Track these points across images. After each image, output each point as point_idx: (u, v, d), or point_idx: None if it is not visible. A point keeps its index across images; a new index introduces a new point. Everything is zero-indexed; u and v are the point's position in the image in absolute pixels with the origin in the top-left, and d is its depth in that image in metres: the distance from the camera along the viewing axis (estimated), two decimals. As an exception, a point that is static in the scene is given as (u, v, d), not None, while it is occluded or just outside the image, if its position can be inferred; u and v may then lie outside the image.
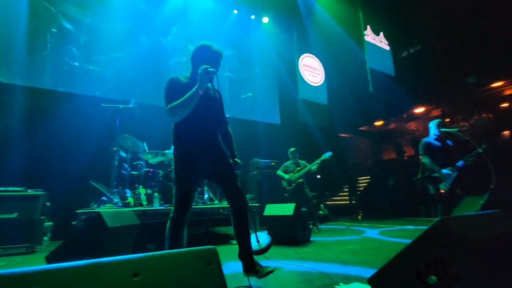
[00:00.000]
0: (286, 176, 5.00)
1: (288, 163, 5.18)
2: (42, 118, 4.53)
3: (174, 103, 1.80)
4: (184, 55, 6.56)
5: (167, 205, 3.81)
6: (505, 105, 8.74)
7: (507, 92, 8.78)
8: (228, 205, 2.01)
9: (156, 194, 3.88)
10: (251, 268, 1.91)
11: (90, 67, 5.35)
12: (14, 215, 3.24)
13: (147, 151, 4.49)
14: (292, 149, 5.18)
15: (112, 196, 3.82)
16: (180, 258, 0.71)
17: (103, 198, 3.83)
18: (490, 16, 7.53)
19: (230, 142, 2.14)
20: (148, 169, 4.35)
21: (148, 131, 4.88)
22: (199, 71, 1.83)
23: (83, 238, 2.57)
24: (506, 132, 6.89)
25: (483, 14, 7.68)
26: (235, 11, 7.66)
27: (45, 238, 3.63)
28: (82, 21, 5.35)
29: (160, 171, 4.36)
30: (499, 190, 5.16)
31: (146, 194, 4.10)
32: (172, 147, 2.00)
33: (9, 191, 3.33)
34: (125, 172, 4.19)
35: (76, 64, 5.21)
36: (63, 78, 5.06)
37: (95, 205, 3.71)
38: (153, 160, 4.40)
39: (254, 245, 2.28)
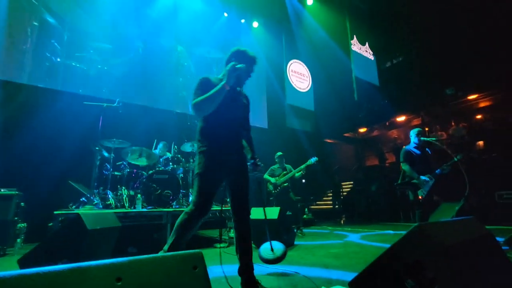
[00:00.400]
0: (273, 180, 5.04)
1: (274, 167, 5.22)
2: (19, 114, 4.33)
3: (200, 97, 1.82)
4: (173, 56, 6.49)
5: (150, 207, 3.73)
6: (479, 116, 9.23)
7: (482, 105, 9.28)
8: (232, 218, 1.98)
9: (139, 195, 3.79)
10: (249, 286, 1.85)
11: (73, 64, 5.17)
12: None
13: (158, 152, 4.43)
14: (279, 153, 5.23)
15: (92, 197, 3.70)
16: (165, 262, 0.69)
17: (82, 199, 3.70)
18: (468, 31, 7.97)
19: (252, 147, 2.17)
20: (131, 170, 4.25)
21: (132, 131, 4.77)
22: (227, 67, 1.85)
23: (60, 240, 2.47)
24: (480, 143, 7.27)
25: (461, 29, 8.12)
26: (225, 14, 7.67)
27: (18, 240, 3.45)
28: (66, 16, 5.17)
29: (143, 172, 4.27)
30: (473, 197, 5.44)
31: (128, 195, 4.00)
32: (196, 145, 2.00)
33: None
34: (107, 173, 4.07)
35: (58, 60, 5.02)
36: (44, 73, 4.86)
37: (74, 206, 3.58)
38: (138, 160, 4.30)
39: (269, 253, 2.24)
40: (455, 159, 3.73)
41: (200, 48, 6.97)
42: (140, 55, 6.02)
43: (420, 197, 3.76)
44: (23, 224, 3.57)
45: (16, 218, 3.39)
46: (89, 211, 3.00)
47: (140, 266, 0.62)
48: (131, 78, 5.73)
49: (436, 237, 1.00)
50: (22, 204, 3.57)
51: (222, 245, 3.66)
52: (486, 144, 6.94)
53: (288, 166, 5.14)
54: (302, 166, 4.93)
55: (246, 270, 1.87)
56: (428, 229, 1.04)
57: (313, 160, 4.92)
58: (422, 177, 3.70)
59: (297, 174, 4.95)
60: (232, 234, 4.42)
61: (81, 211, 3.11)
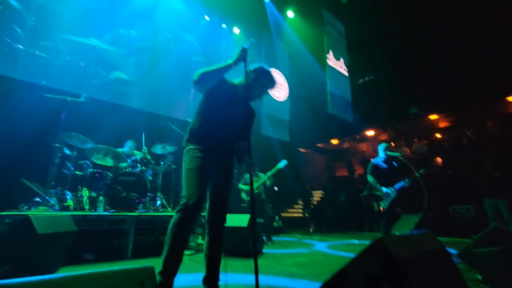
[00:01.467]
0: (245, 188, 5.02)
1: (247, 175, 5.19)
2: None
3: (205, 69, 1.83)
4: (145, 55, 6.26)
5: (112, 210, 3.51)
6: (438, 135, 10.02)
7: (441, 125, 10.10)
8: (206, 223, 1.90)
9: (101, 198, 3.55)
10: None
11: (37, 53, 4.80)
12: None
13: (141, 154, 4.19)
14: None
15: (48, 198, 3.40)
16: (110, 278, 0.64)
17: (36, 199, 3.38)
18: (433, 56, 8.68)
19: (249, 153, 2.02)
20: (95, 170, 3.99)
21: (99, 128, 4.51)
22: (239, 49, 1.91)
23: (6, 244, 2.23)
24: (439, 159, 7.87)
25: (427, 54, 8.82)
26: (207, 17, 7.63)
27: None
28: (31, 0, 4.80)
29: (108, 173, 4.03)
30: (430, 210, 5.82)
31: (89, 197, 3.74)
32: (183, 143, 1.92)
33: None
34: (67, 172, 3.77)
35: (20, 47, 4.63)
36: (2, 60, 4.45)
37: (26, 207, 3.26)
38: (102, 159, 4.06)
39: None
40: (417, 174, 3.98)
41: (179, 50, 6.83)
42: (113, 50, 5.75)
43: (381, 208, 3.95)
44: (-38, 226, 3.18)
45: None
46: (41, 213, 2.75)
47: (84, 282, 0.56)
48: (101, 73, 5.44)
49: (393, 251, 1.03)
50: (-37, 202, 3.18)
51: (188, 252, 3.54)
52: (443, 161, 7.52)
53: (261, 174, 5.15)
54: (272, 170, 4.96)
55: (211, 279, 1.82)
56: (387, 242, 1.08)
57: (282, 163, 4.95)
58: (385, 190, 3.90)
59: (268, 182, 4.97)
60: (200, 241, 4.29)
61: (32, 212, 2.84)
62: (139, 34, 6.20)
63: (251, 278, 2.36)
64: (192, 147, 1.87)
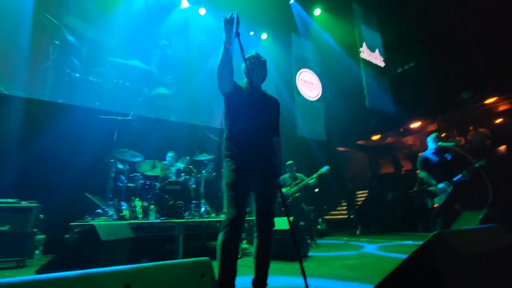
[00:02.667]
0: (283, 190, 4.97)
1: (285, 176, 5.16)
2: (39, 129, 4.52)
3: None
4: (181, 69, 6.65)
5: (162, 218, 3.75)
6: (499, 120, 8.87)
7: (501, 108, 8.93)
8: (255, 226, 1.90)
9: (152, 207, 3.83)
10: None
11: (91, 78, 5.40)
12: (5, 228, 3.17)
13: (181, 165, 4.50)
14: (290, 162, 5.17)
15: (107, 209, 3.77)
16: (173, 270, 0.69)
17: (98, 210, 3.77)
18: (483, 33, 7.78)
19: (276, 155, 2.03)
20: (144, 181, 4.31)
21: (145, 142, 4.88)
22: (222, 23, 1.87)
23: (75, 251, 2.51)
24: (502, 147, 6.95)
25: (476, 31, 7.94)
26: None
27: (37, 251, 3.53)
28: (84, 34, 5.45)
29: (156, 183, 4.33)
30: (496, 204, 5.16)
31: (142, 206, 4.05)
32: (214, 155, 2.03)
33: (1, 203, 3.28)
34: (121, 184, 4.15)
35: (77, 75, 5.26)
36: (63, 89, 5.10)
37: (90, 218, 3.65)
38: (150, 171, 4.37)
39: None
40: (476, 164, 3.58)
41: (211, 60, 7.13)
42: (153, 68, 6.23)
43: (435, 205, 3.61)
44: (41, 236, 3.67)
45: (35, 230, 3.48)
46: (103, 223, 3.05)
47: (148, 273, 0.62)
48: (144, 91, 5.92)
49: (456, 246, 0.94)
50: (41, 216, 3.67)
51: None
52: (508, 148, 6.62)
53: (300, 175, 5.07)
54: (314, 176, 4.85)
55: (260, 281, 1.82)
56: (448, 237, 0.99)
57: (324, 169, 4.83)
58: (440, 185, 3.56)
59: (310, 182, 4.86)
60: (245, 245, 4.36)
61: (96, 222, 3.16)
62: (174, 50, 6.63)
63: (298, 281, 2.32)
64: (228, 157, 1.89)
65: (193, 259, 0.75)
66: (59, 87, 5.06)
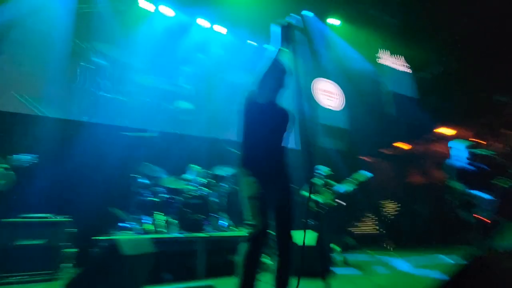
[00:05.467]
0: (318, 199, 4.78)
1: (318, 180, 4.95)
2: (68, 146, 4.77)
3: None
4: (204, 84, 6.86)
5: (184, 232, 3.77)
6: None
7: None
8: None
9: (174, 221, 3.86)
10: None
11: (115, 97, 5.69)
12: (42, 242, 3.33)
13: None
14: (321, 166, 5.02)
15: (131, 223, 3.86)
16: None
17: (122, 224, 3.87)
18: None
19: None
20: (167, 195, 4.39)
21: (167, 157, 4.99)
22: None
23: (100, 266, 2.57)
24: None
25: (506, 31, 7.45)
26: (254, 43, 8.00)
27: (68, 265, 3.66)
28: (108, 55, 5.79)
29: (179, 197, 4.38)
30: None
31: (164, 220, 4.11)
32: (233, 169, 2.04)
33: (37, 218, 3.47)
34: (145, 199, 4.25)
35: (103, 94, 5.57)
36: (89, 107, 5.40)
37: (115, 232, 3.75)
38: (172, 185, 4.45)
39: None
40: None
41: (230, 75, 7.29)
42: (176, 84, 6.47)
43: (481, 218, 3.29)
44: (73, 250, 3.81)
45: (67, 243, 3.63)
46: (126, 237, 3.11)
47: None
48: (167, 107, 6.13)
49: (502, 270, 0.82)
50: (74, 230, 3.82)
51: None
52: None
53: (332, 182, 4.89)
54: (354, 182, 4.59)
55: None
56: (490, 260, 0.87)
57: (366, 175, 4.55)
58: (478, 194, 3.25)
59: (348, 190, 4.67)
60: (265, 259, 4.24)
61: (119, 237, 3.24)
62: (195, 67, 6.87)
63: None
64: (247, 171, 1.87)
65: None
66: (85, 106, 5.37)
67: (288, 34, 1.82)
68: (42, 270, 3.28)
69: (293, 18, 1.82)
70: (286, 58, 1.89)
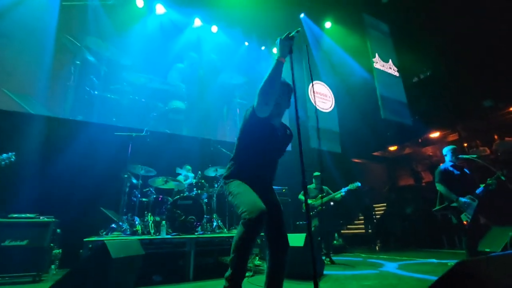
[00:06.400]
0: (309, 201, 4.86)
1: (310, 186, 5.01)
2: (57, 145, 4.69)
3: (260, 87, 1.72)
4: (194, 84, 6.82)
5: (174, 233, 3.74)
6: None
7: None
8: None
9: (163, 222, 3.82)
10: None
11: (108, 96, 5.62)
12: (24, 243, 3.26)
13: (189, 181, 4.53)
14: (317, 173, 5.06)
15: (121, 223, 3.81)
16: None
17: (112, 225, 3.82)
18: (504, 37, 7.50)
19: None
20: (157, 196, 4.35)
21: (159, 157, 4.95)
22: (278, 40, 1.76)
23: (88, 268, 2.52)
24: (531, 157, 6.50)
25: (495, 35, 7.66)
26: (246, 43, 8.01)
27: (53, 266, 3.60)
28: (103, 53, 5.72)
29: (169, 198, 4.35)
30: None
31: (154, 221, 4.06)
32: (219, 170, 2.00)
33: (21, 218, 3.38)
34: (135, 199, 4.20)
35: (96, 92, 5.50)
36: (83, 106, 5.32)
37: (104, 233, 3.69)
38: (163, 186, 4.41)
39: None
40: (501, 176, 3.35)
41: (222, 75, 7.28)
42: (167, 83, 6.42)
43: (465, 222, 3.38)
44: (58, 250, 3.74)
45: (52, 244, 3.56)
46: (115, 239, 3.06)
47: None
48: (158, 106, 6.08)
49: (485, 278, 0.85)
50: (58, 230, 3.76)
51: (246, 274, 3.51)
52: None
53: (325, 188, 4.93)
54: (343, 190, 4.66)
55: None
56: (473, 266, 0.90)
57: (355, 185, 4.62)
58: (462, 199, 3.34)
59: (337, 196, 4.72)
60: (257, 261, 4.24)
61: (108, 238, 3.19)
62: (187, 66, 6.83)
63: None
64: (237, 179, 1.84)
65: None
66: (79, 104, 5.29)
67: (291, 42, 1.76)
68: (28, 272, 3.20)
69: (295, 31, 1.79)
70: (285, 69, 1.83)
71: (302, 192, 5.01)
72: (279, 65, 1.73)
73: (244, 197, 1.69)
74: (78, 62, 5.45)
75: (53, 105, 5.02)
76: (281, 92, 1.90)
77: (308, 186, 5.00)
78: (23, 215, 3.41)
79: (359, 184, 4.61)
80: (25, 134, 4.52)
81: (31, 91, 4.83)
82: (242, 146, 1.90)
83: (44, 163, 4.40)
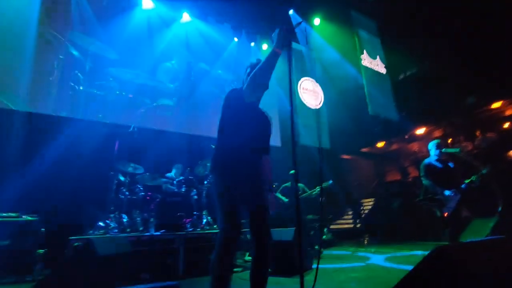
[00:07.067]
0: (285, 200, 4.90)
1: (287, 184, 5.09)
2: (42, 142, 4.55)
3: (252, 74, 1.71)
4: (184, 80, 6.73)
5: (163, 230, 3.70)
6: (507, 124, 8.69)
7: (509, 112, 8.77)
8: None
9: (152, 219, 3.78)
10: None
11: (94, 91, 5.47)
12: (5, 243, 3.16)
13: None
14: (293, 171, 5.11)
15: (109, 222, 3.74)
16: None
17: (99, 223, 3.74)
18: (487, 36, 7.72)
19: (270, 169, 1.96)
20: (145, 193, 4.29)
21: (146, 154, 4.88)
22: (277, 30, 1.76)
23: (73, 266, 2.47)
24: (511, 153, 6.76)
25: (480, 34, 7.88)
26: (236, 39, 7.96)
27: (36, 266, 3.50)
28: (87, 48, 5.55)
29: (158, 195, 4.30)
30: (507, 213, 4.99)
31: (142, 219, 4.01)
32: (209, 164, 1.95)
33: (2, 217, 3.27)
34: (122, 197, 4.12)
35: (81, 88, 5.34)
36: (67, 102, 5.17)
37: (91, 231, 3.62)
38: (151, 183, 4.36)
39: None
40: (483, 171, 3.47)
41: (211, 72, 7.22)
42: (155, 79, 6.31)
43: (445, 214, 3.49)
44: (41, 250, 3.63)
45: (35, 244, 3.46)
46: (102, 236, 3.01)
47: None
48: (146, 102, 5.97)
49: (459, 262, 0.88)
50: (42, 229, 3.65)
51: (236, 269, 3.53)
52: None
53: (301, 186, 5.00)
54: (317, 189, 4.78)
55: None
56: (450, 251, 0.93)
57: (328, 183, 4.77)
58: (447, 192, 3.45)
59: (313, 194, 4.81)
60: (248, 257, 4.26)
61: (95, 236, 3.13)
62: (175, 63, 6.73)
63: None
64: (220, 168, 1.82)
65: (161, 283, 0.71)
66: (63, 100, 5.13)
67: (288, 38, 1.79)
68: (9, 273, 3.11)
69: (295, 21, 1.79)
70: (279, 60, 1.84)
71: (279, 190, 5.06)
72: (275, 56, 1.74)
73: (221, 206, 1.72)
74: (61, 57, 5.28)
75: (36, 100, 4.85)
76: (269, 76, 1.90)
77: (284, 185, 5.07)
78: (4, 214, 3.30)
79: (330, 181, 4.76)
80: (6, 131, 4.36)
81: (12, 86, 4.65)
82: (227, 132, 1.87)
83: (26, 161, 4.26)
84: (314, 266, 3.68)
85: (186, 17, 6.99)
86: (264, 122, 1.96)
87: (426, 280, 0.89)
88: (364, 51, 8.64)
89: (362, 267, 3.60)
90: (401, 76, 10.39)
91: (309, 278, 2.96)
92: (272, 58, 1.73)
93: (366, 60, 8.62)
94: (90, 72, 5.51)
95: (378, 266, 3.61)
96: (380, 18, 9.33)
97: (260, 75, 1.74)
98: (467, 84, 8.41)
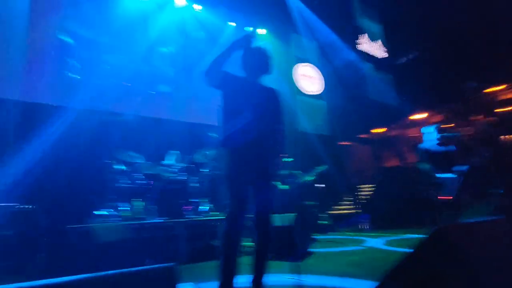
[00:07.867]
0: (282, 187, 4.93)
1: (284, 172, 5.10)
2: (39, 132, 4.47)
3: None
4: (181, 67, 6.61)
5: (164, 218, 3.73)
6: (506, 109, 8.66)
7: (508, 96, 8.72)
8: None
9: (153, 207, 3.81)
10: None
11: (89, 78, 5.35)
12: (5, 232, 3.17)
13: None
14: (288, 159, 5.12)
15: (109, 210, 3.76)
16: (137, 277, 0.64)
17: (100, 212, 3.76)
18: (488, 20, 7.57)
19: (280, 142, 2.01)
20: (145, 181, 4.30)
21: (145, 142, 4.85)
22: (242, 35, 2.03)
23: (75, 254, 2.50)
24: (510, 136, 6.77)
25: (481, 18, 7.73)
26: (233, 24, 7.76)
27: (37, 255, 3.53)
28: (82, 35, 5.39)
29: (158, 183, 4.30)
30: (508, 195, 5.03)
31: (143, 207, 4.03)
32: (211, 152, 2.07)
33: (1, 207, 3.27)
34: (122, 185, 4.13)
35: (75, 76, 5.22)
36: (63, 91, 5.07)
37: (91, 220, 3.64)
38: (151, 171, 4.35)
39: None
40: (484, 155, 3.47)
41: (208, 57, 7.07)
42: (153, 66, 6.18)
43: (446, 197, 3.52)
44: (41, 239, 3.66)
45: (35, 233, 3.47)
46: (103, 224, 3.03)
47: (111, 281, 0.58)
48: (143, 90, 5.87)
49: (458, 242, 0.88)
50: (42, 219, 3.66)
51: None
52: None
53: (297, 172, 5.03)
54: (312, 173, 4.83)
55: (256, 280, 1.81)
56: (449, 232, 0.92)
57: (322, 168, 4.84)
58: (446, 175, 3.46)
59: (308, 179, 4.85)
60: (251, 243, 4.33)
61: (96, 224, 3.14)
62: (172, 48, 6.57)
63: (304, 279, 2.26)
64: (226, 151, 1.87)
65: (157, 265, 0.72)
66: (58, 89, 5.04)
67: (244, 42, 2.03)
68: (10, 261, 3.14)
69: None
70: (264, 42, 1.92)
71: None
72: (231, 50, 2.01)
73: (229, 189, 1.79)
74: (55, 44, 5.14)
75: (28, 89, 4.76)
76: (255, 57, 2.08)
77: (283, 172, 5.08)
78: (2, 204, 3.30)
79: (326, 166, 4.82)
80: (1, 120, 4.29)
81: (3, 74, 4.55)
82: (225, 112, 1.95)
83: (24, 150, 4.22)
84: (313, 250, 3.74)
85: (181, 0, 6.78)
86: (265, 97, 2.01)
87: (427, 260, 0.89)
88: (365, 35, 8.48)
89: (361, 250, 3.67)
90: (402, 61, 10.25)
91: (308, 262, 3.02)
92: (228, 50, 1.99)
93: (366, 44, 8.48)
94: (84, 59, 5.38)
95: (377, 249, 3.67)
96: (382, 2, 9.09)
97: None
98: (467, 69, 8.32)
